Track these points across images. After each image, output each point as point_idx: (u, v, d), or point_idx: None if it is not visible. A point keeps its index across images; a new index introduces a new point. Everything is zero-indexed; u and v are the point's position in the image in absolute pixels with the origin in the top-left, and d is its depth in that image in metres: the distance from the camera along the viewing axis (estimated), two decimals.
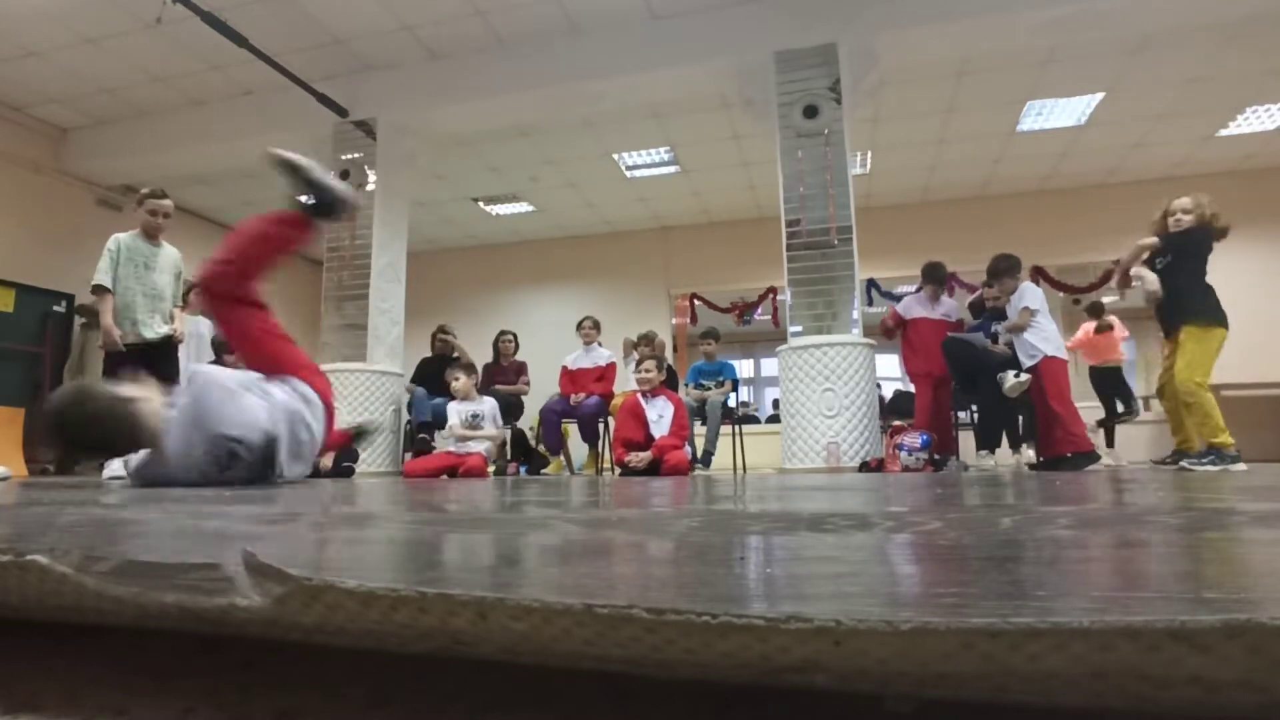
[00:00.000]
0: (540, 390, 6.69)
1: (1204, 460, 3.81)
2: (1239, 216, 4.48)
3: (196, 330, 5.99)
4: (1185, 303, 3.93)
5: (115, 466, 4.13)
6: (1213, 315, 3.88)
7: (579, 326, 6.28)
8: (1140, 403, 6.76)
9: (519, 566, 0.55)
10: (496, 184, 8.02)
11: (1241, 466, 3.71)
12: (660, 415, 4.63)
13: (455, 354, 6.37)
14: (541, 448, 6.12)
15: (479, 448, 5.00)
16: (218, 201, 8.24)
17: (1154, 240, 4.02)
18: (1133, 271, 4.13)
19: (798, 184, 5.01)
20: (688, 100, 6.15)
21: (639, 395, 4.77)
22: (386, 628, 0.34)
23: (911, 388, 5.33)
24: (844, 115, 5.00)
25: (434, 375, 6.18)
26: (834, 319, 4.87)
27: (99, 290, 4.11)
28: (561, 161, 7.46)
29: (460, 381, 5.13)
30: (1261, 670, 0.24)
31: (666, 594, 0.42)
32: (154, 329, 4.21)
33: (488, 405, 5.20)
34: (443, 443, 6.04)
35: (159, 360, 4.28)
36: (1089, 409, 5.93)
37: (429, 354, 6.54)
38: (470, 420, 5.09)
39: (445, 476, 4.64)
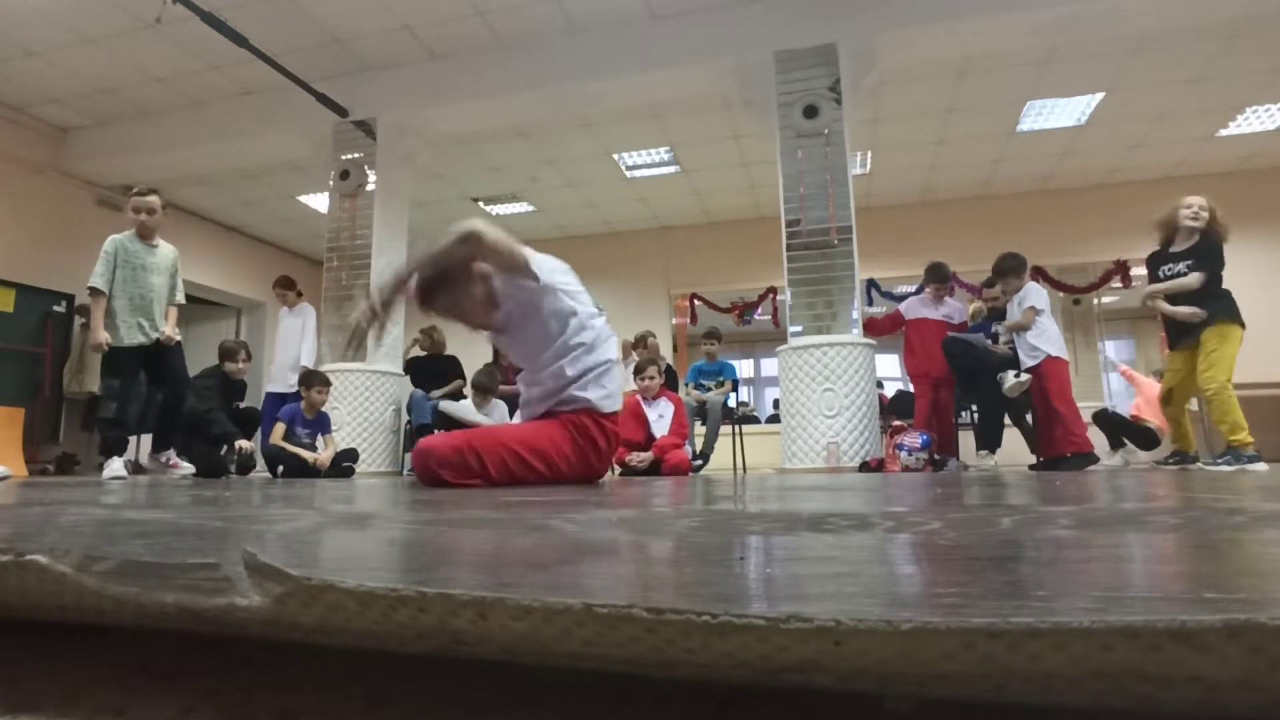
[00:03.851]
0: None
1: (1219, 460, 3.79)
2: (1239, 217, 4.49)
3: (288, 325, 6.06)
4: (1206, 308, 3.92)
5: (116, 466, 4.15)
6: (1230, 315, 3.92)
7: None
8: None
9: (519, 566, 0.55)
10: (496, 184, 8.02)
11: (1262, 467, 3.63)
12: (660, 415, 4.63)
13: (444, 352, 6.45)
14: None
15: None
16: (218, 201, 8.24)
17: (1194, 280, 3.96)
18: (1163, 308, 4.08)
19: (798, 184, 5.01)
20: (688, 100, 6.15)
21: (639, 396, 4.77)
22: (386, 628, 0.34)
23: (912, 388, 5.33)
24: (844, 115, 5.00)
25: (428, 374, 6.21)
26: (834, 319, 4.87)
27: (94, 292, 4.11)
28: (561, 161, 7.46)
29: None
30: (1261, 670, 0.24)
31: (666, 594, 0.42)
32: (149, 332, 4.20)
33: (498, 410, 5.25)
34: None
35: (157, 360, 4.31)
36: (1090, 409, 5.92)
37: (413, 354, 6.59)
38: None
39: None
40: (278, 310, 6.48)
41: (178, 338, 4.37)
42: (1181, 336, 4.04)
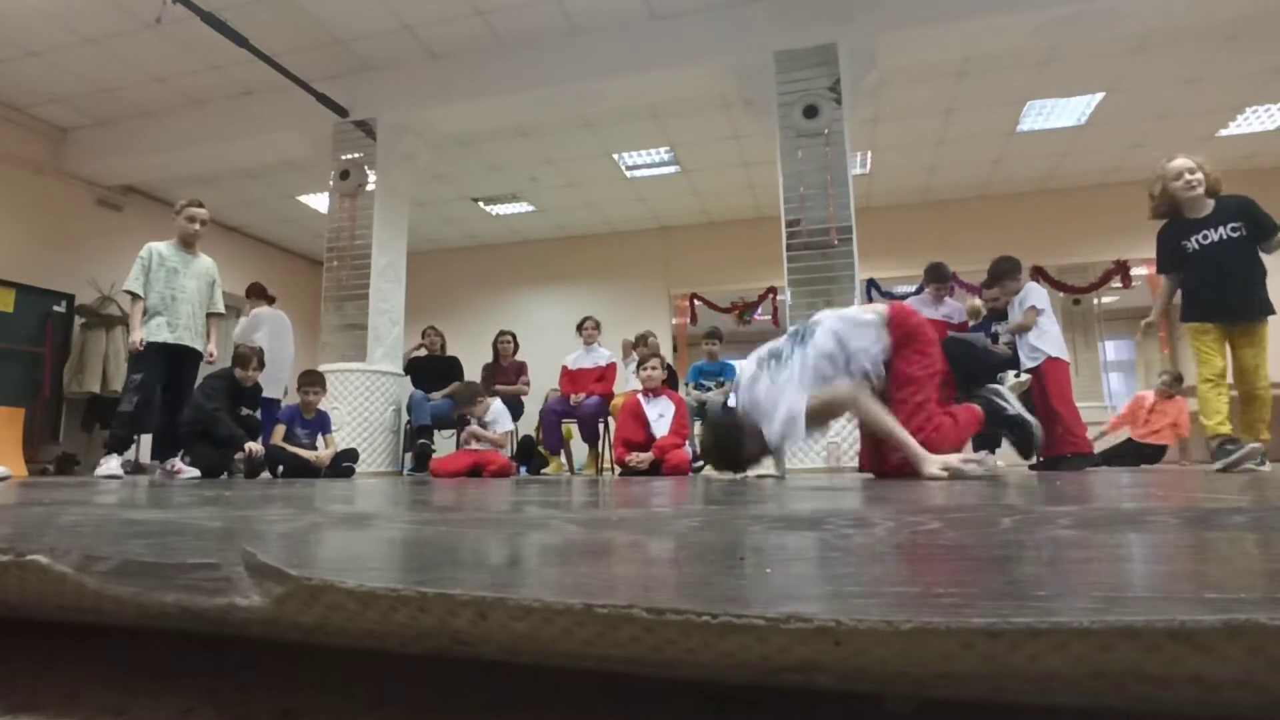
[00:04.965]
0: (540, 390, 6.69)
1: (1259, 459, 3.34)
2: None
3: (279, 324, 6.05)
4: (1262, 287, 3.37)
5: (112, 465, 4.15)
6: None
7: (580, 327, 6.29)
8: None
9: (519, 566, 0.55)
10: (496, 184, 8.02)
11: (1265, 467, 3.44)
12: (661, 415, 4.63)
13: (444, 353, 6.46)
14: (541, 448, 6.13)
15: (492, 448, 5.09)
16: (218, 201, 8.23)
17: None
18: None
19: (798, 184, 5.01)
20: (688, 100, 6.15)
21: (640, 395, 4.77)
22: (386, 628, 0.34)
23: None
24: (844, 115, 5.00)
25: (428, 375, 6.22)
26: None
27: (130, 295, 4.33)
28: (561, 161, 7.46)
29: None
30: (1261, 670, 0.24)
31: (666, 594, 0.42)
32: (180, 332, 4.34)
33: (494, 407, 5.24)
34: (442, 444, 6.06)
35: (179, 365, 4.40)
36: (1090, 409, 5.95)
37: (414, 354, 6.59)
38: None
39: (465, 476, 4.71)
40: (276, 312, 6.46)
41: (215, 354, 4.55)
42: (1244, 308, 3.40)
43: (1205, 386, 3.47)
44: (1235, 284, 3.40)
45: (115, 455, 4.22)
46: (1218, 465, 3.34)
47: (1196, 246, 3.49)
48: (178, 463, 4.37)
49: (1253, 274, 3.39)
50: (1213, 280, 3.45)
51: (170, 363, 4.34)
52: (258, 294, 6.22)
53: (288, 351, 6.02)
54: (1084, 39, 5.32)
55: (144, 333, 4.23)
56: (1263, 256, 3.44)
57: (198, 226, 4.47)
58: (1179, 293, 3.63)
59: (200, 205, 4.54)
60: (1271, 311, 3.41)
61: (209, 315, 4.54)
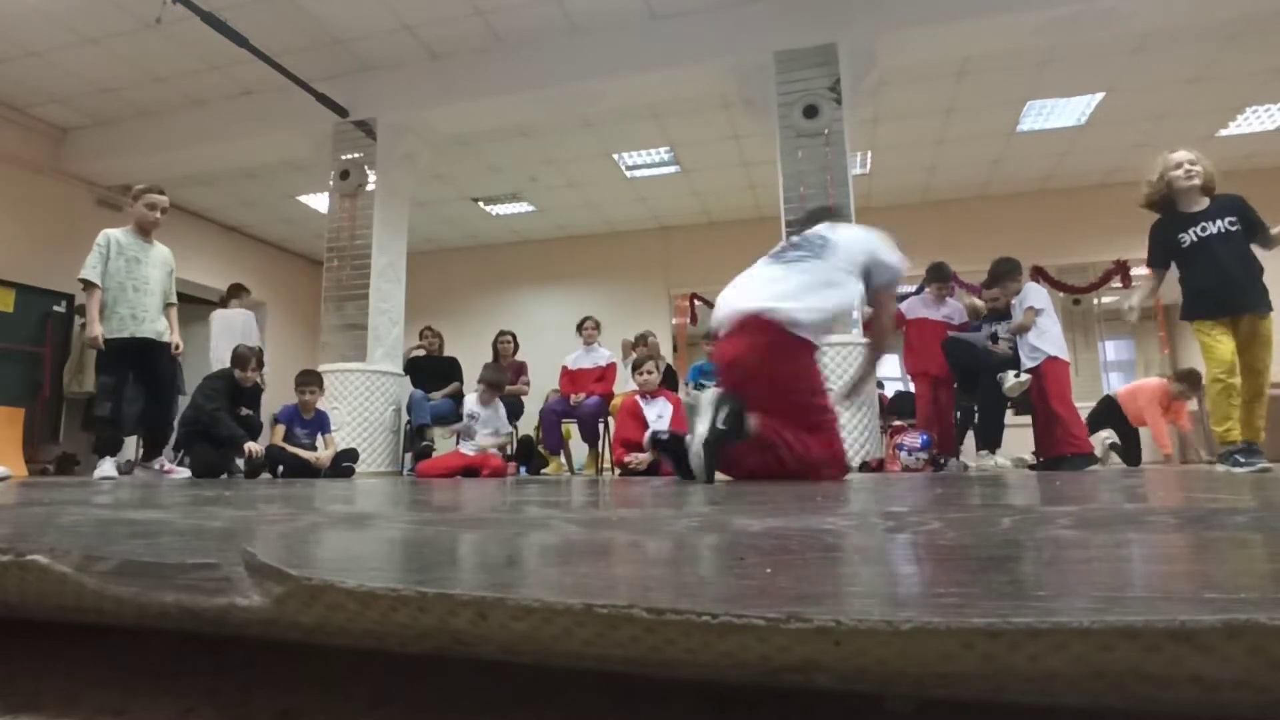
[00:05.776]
0: (540, 390, 6.69)
1: (1254, 460, 3.28)
2: None
3: (230, 324, 6.11)
4: (1260, 280, 3.35)
5: (107, 467, 4.13)
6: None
7: (580, 327, 6.29)
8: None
9: (519, 566, 0.55)
10: (496, 184, 8.02)
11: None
12: (659, 415, 4.63)
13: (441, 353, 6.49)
14: (542, 448, 6.13)
15: (489, 447, 5.09)
16: (218, 201, 8.24)
17: None
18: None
19: (798, 184, 5.01)
20: (688, 100, 6.15)
21: (638, 396, 4.77)
22: (386, 628, 0.34)
23: (912, 387, 5.33)
24: (844, 115, 5.00)
25: (428, 374, 6.23)
26: (834, 319, 4.87)
27: (86, 285, 4.06)
28: (561, 161, 7.46)
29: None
30: (1261, 670, 0.24)
31: (666, 594, 0.42)
32: (145, 325, 4.14)
33: (498, 408, 5.26)
34: (443, 444, 6.06)
35: (153, 358, 4.25)
36: (1089, 408, 5.95)
37: (414, 354, 6.61)
38: (468, 425, 5.18)
39: (459, 477, 4.69)
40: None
41: (181, 346, 4.35)
42: (1246, 301, 3.37)
43: (1215, 388, 3.42)
44: (1236, 276, 3.38)
45: (108, 458, 4.15)
46: (1221, 469, 3.30)
47: (1195, 239, 3.47)
48: (166, 462, 4.32)
49: (1251, 267, 3.39)
50: (1212, 273, 3.42)
51: (138, 357, 4.15)
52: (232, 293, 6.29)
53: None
54: (1084, 39, 5.32)
55: (103, 328, 4.01)
56: (1258, 253, 3.43)
57: (158, 214, 4.27)
58: (1180, 289, 3.58)
59: (161, 192, 4.32)
60: (1271, 307, 3.40)
61: (166, 306, 4.33)
